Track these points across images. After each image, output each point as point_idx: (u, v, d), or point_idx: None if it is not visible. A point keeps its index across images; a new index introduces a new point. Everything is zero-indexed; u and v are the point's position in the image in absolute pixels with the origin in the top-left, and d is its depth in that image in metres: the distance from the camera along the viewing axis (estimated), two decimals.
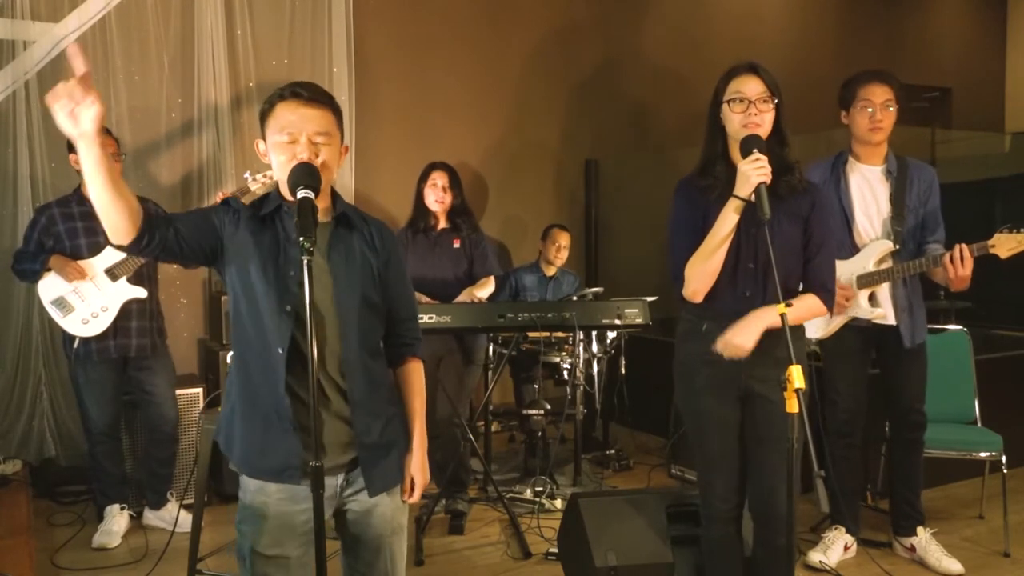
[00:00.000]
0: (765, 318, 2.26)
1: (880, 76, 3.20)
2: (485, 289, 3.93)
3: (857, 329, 3.24)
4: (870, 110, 3.15)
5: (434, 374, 3.84)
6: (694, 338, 2.41)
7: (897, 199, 3.18)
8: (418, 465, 1.97)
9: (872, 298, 3.21)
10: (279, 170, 1.84)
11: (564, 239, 5.03)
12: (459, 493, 3.90)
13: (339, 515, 1.93)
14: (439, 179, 3.92)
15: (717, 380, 2.38)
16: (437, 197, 3.91)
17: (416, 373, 2.04)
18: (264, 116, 1.86)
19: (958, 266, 2.95)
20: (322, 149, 1.83)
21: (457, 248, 3.95)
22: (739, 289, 2.34)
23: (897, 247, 3.16)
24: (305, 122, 1.81)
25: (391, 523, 1.95)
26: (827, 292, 2.39)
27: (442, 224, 3.98)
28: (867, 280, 3.17)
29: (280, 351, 1.79)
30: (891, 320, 3.22)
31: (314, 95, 1.84)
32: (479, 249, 3.98)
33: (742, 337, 2.26)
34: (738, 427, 2.42)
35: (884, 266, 3.17)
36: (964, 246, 2.95)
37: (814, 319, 3.23)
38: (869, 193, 3.23)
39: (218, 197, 3.62)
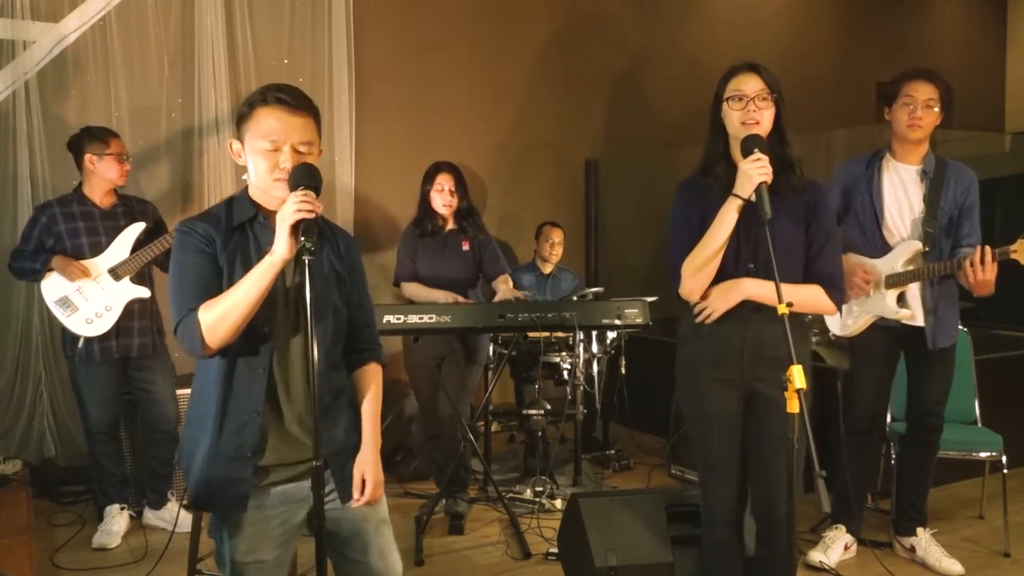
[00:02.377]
0: (750, 288, 2.28)
1: (926, 75, 3.17)
2: (509, 288, 3.94)
3: (885, 329, 3.24)
4: (911, 107, 3.12)
5: (435, 374, 3.85)
6: (696, 339, 2.41)
7: (931, 200, 3.15)
8: (369, 463, 1.91)
9: (901, 299, 3.20)
10: (256, 176, 1.82)
11: (557, 235, 5.03)
12: (459, 493, 3.90)
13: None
14: (446, 183, 3.89)
15: (720, 381, 2.37)
16: (444, 201, 3.89)
17: (375, 376, 2.02)
18: (243, 118, 1.84)
19: (979, 270, 2.92)
20: (306, 159, 1.81)
21: (466, 251, 3.95)
22: None
23: (927, 249, 3.14)
24: (290, 131, 1.79)
25: (370, 519, 1.95)
26: (835, 289, 2.36)
27: (450, 225, 3.97)
28: (895, 280, 3.16)
29: (261, 371, 1.80)
30: (919, 322, 3.20)
31: (298, 102, 1.81)
32: (488, 250, 3.99)
33: (720, 300, 2.30)
34: (741, 429, 2.41)
35: (912, 267, 3.15)
36: (987, 249, 2.92)
37: (836, 316, 3.26)
38: (902, 192, 3.21)
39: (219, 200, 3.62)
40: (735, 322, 2.34)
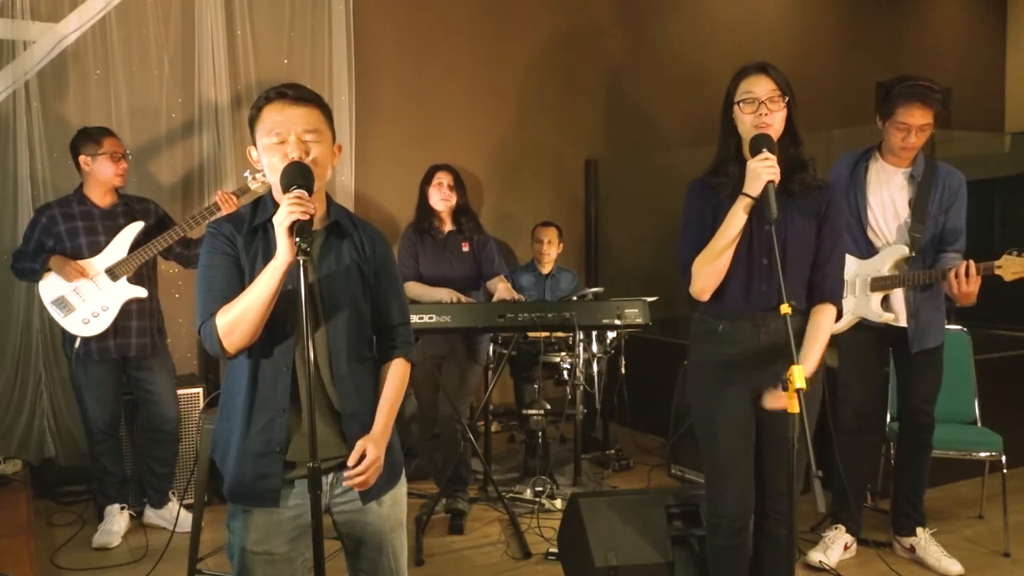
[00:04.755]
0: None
1: (922, 97, 3.05)
2: (507, 287, 3.93)
3: (871, 328, 3.25)
4: (904, 133, 3.09)
5: (435, 374, 3.85)
6: (709, 339, 2.40)
7: (918, 204, 3.14)
8: (373, 441, 1.80)
9: (886, 301, 3.20)
10: (271, 173, 1.82)
11: (548, 235, 5.02)
12: (460, 491, 3.90)
13: (334, 516, 1.93)
14: (444, 179, 3.92)
15: (733, 381, 2.37)
16: (442, 196, 3.90)
17: (400, 370, 1.97)
18: (252, 122, 1.85)
19: (963, 282, 2.92)
20: (312, 147, 1.81)
21: (467, 252, 3.96)
22: (754, 287, 2.33)
23: (913, 254, 3.14)
24: (293, 121, 1.80)
25: (389, 520, 1.96)
26: (838, 300, 2.41)
27: (448, 226, 3.97)
28: (880, 284, 3.17)
29: (285, 369, 1.80)
30: (903, 323, 3.21)
31: (299, 93, 1.82)
32: (486, 251, 4.00)
33: None
34: (752, 430, 2.40)
35: (898, 272, 3.15)
36: (971, 263, 2.93)
37: None
38: (888, 195, 3.20)
39: (217, 196, 3.62)
40: (749, 323, 2.34)
